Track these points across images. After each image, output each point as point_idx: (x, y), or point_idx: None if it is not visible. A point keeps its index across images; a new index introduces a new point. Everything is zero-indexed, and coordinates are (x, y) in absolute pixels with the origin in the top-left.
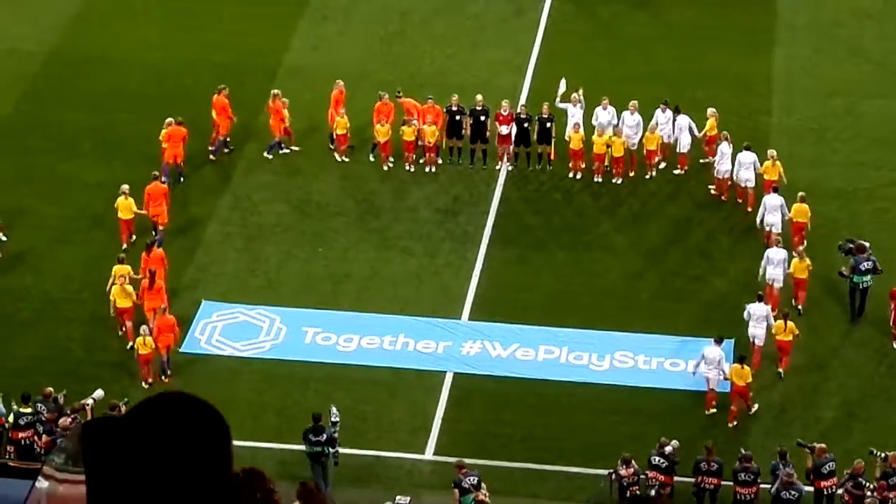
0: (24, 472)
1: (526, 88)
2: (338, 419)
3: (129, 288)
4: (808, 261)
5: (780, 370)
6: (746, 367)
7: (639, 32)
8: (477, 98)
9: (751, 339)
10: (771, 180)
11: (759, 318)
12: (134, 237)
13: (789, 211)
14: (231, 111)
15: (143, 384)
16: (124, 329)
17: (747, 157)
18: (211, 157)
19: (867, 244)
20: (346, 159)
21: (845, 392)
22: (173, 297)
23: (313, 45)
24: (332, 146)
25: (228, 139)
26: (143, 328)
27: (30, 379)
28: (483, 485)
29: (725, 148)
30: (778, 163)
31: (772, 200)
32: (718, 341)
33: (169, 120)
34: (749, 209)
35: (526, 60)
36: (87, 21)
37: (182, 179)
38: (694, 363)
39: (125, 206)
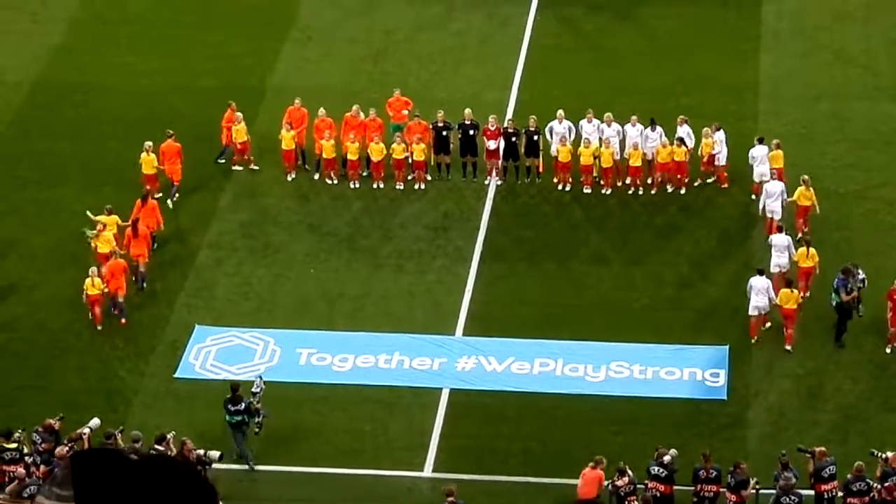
0: None
1: (512, 103)
2: (259, 390)
3: (109, 235)
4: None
5: (788, 346)
6: (795, 291)
7: (623, 44)
8: (465, 112)
9: (752, 312)
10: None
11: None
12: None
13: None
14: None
15: (97, 326)
16: (101, 280)
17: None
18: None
19: (852, 267)
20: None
21: (842, 395)
22: (165, 324)
23: (298, 67)
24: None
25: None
26: (92, 269)
27: (25, 409)
28: None
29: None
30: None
31: (772, 187)
32: (761, 272)
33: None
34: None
35: (511, 75)
36: (71, 50)
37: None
38: (748, 294)
39: (148, 162)
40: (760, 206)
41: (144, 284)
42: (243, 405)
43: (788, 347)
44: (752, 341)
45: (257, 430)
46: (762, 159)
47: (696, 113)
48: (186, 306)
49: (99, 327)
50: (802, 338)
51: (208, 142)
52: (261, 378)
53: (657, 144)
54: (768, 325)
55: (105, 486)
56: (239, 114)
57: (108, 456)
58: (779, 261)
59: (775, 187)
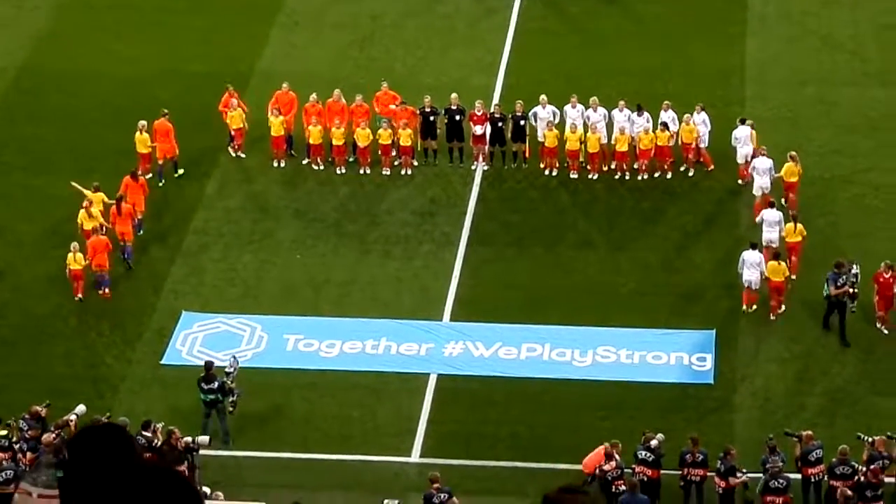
0: None
1: (499, 88)
2: (233, 370)
3: (95, 211)
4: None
5: (773, 316)
6: (783, 263)
7: (610, 28)
8: (452, 97)
9: (745, 285)
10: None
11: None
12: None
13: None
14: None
15: (76, 298)
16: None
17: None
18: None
19: (845, 262)
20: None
21: (828, 379)
22: (152, 311)
23: (285, 52)
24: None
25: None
26: (74, 244)
27: (12, 396)
28: (454, 498)
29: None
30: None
31: (761, 164)
32: (754, 246)
33: (142, 124)
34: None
35: (497, 60)
36: (58, 36)
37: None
38: (738, 267)
39: (141, 141)
40: (738, 271)
41: (130, 262)
42: (216, 384)
43: (773, 317)
44: (743, 309)
45: (231, 409)
46: (745, 140)
47: (682, 97)
48: (173, 293)
49: (79, 297)
50: (789, 322)
51: (196, 127)
52: (235, 358)
53: (643, 130)
54: (754, 307)
55: (96, 479)
56: (234, 99)
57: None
58: (770, 236)
59: (764, 164)
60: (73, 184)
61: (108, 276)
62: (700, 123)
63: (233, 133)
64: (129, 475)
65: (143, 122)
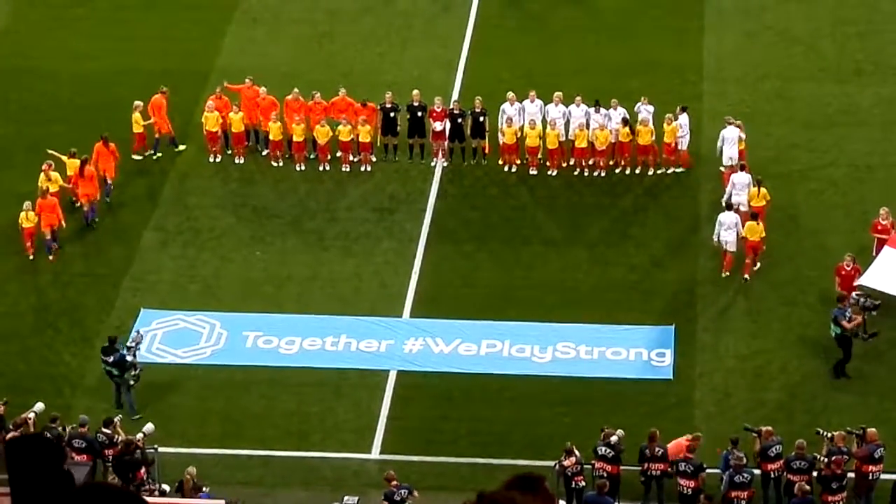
0: None
1: (458, 84)
2: (134, 344)
3: (54, 174)
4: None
5: (746, 276)
6: (760, 224)
7: (569, 24)
8: (414, 94)
9: (723, 245)
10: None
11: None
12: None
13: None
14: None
15: (28, 256)
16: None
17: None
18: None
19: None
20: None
21: (787, 375)
22: (111, 308)
23: (244, 49)
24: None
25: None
26: (27, 203)
27: None
28: (415, 492)
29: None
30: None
31: (739, 178)
32: (729, 207)
33: (137, 104)
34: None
35: (457, 56)
36: (15, 33)
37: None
38: (715, 231)
39: (135, 120)
40: (714, 237)
41: (93, 223)
42: (112, 357)
43: (746, 276)
44: (723, 275)
45: (132, 382)
46: (732, 141)
47: (641, 93)
48: (131, 290)
49: (30, 257)
50: (748, 318)
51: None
52: (139, 332)
53: (599, 126)
54: (726, 274)
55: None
56: (211, 102)
57: (41, 447)
58: (740, 199)
59: (742, 179)
60: (50, 151)
61: (56, 240)
62: (680, 126)
63: (207, 134)
64: (61, 486)
65: (138, 102)
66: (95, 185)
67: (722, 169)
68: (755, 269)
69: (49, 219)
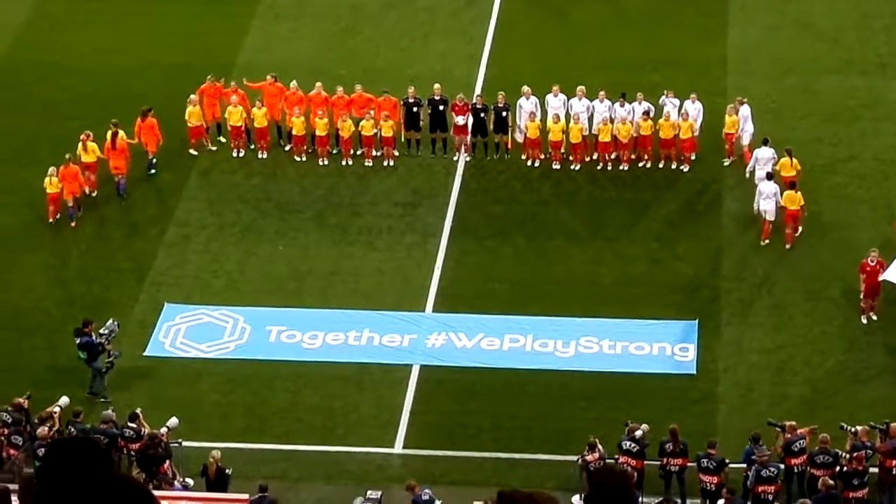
0: None
1: (481, 78)
2: (108, 332)
3: (92, 145)
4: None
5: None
6: (798, 193)
7: (592, 18)
8: (435, 87)
9: (762, 215)
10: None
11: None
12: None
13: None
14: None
15: (49, 220)
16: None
17: (766, 153)
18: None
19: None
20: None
21: (811, 369)
22: (134, 302)
23: (266, 44)
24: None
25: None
26: (52, 169)
27: None
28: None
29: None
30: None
31: (766, 188)
32: (769, 177)
33: (193, 98)
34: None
35: (479, 50)
36: (38, 27)
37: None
38: (755, 201)
39: (190, 114)
40: (754, 207)
41: (124, 195)
42: (79, 340)
43: (788, 246)
44: (763, 243)
45: (104, 369)
46: (746, 118)
47: (665, 87)
48: (155, 284)
49: (51, 220)
50: (771, 312)
51: (177, 119)
52: (114, 321)
53: (620, 121)
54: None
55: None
56: (235, 96)
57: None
58: (765, 172)
59: (766, 153)
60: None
61: (79, 207)
62: (696, 113)
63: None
64: (96, 488)
65: (193, 97)
66: (126, 159)
67: (744, 145)
68: (797, 235)
69: (71, 187)
